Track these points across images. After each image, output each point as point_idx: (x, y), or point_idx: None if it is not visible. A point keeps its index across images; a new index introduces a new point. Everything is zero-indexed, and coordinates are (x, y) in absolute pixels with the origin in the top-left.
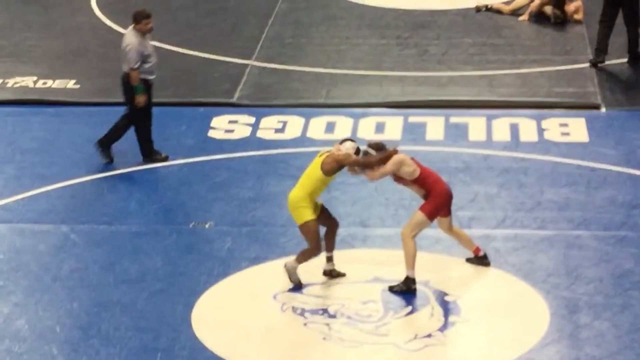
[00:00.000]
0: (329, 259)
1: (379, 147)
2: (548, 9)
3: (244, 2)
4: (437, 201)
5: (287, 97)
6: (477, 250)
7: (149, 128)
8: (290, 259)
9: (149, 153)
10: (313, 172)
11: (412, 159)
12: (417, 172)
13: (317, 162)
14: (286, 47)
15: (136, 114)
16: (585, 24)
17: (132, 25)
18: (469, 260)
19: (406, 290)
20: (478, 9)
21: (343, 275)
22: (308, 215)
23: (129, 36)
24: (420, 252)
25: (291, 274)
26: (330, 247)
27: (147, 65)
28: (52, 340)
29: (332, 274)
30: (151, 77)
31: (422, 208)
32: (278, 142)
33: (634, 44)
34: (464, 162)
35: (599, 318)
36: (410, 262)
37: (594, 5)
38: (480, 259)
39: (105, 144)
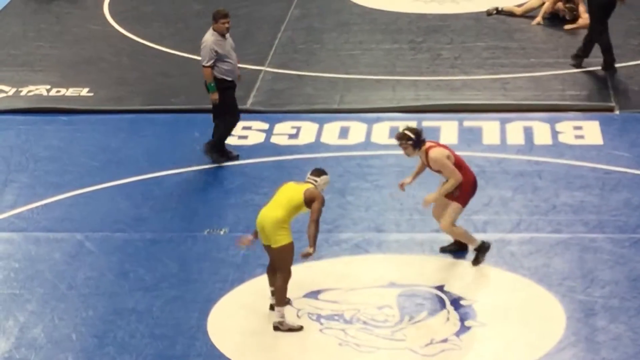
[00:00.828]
0: (274, 293)
1: (416, 132)
2: (560, 5)
3: (256, 9)
4: (468, 189)
5: (300, 103)
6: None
7: (228, 127)
8: (274, 316)
9: (219, 152)
10: (295, 196)
11: (445, 145)
12: (452, 159)
13: (294, 188)
14: (299, 52)
15: (215, 110)
16: None
17: (212, 25)
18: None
19: (486, 251)
20: (489, 13)
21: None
22: (288, 238)
23: (207, 35)
24: (436, 257)
25: (287, 327)
26: (274, 281)
27: (224, 65)
28: (68, 349)
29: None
30: (229, 78)
31: (457, 199)
32: (292, 148)
33: (611, 60)
34: (478, 166)
35: (615, 321)
36: (469, 238)
37: None
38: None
39: (214, 147)
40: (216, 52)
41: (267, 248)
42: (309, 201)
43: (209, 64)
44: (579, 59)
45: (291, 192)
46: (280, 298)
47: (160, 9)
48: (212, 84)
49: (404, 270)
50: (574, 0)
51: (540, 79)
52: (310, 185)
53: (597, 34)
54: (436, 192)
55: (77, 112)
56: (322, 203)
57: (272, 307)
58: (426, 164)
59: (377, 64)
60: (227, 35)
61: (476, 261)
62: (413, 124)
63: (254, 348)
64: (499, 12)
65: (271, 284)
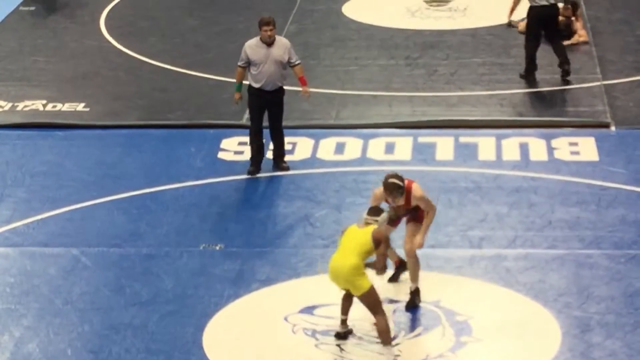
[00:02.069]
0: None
1: (400, 177)
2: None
3: (252, 24)
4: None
5: (296, 118)
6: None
7: (254, 135)
8: (386, 356)
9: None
10: (364, 240)
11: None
12: None
13: (361, 232)
14: None
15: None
16: (593, 43)
17: None
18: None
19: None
20: (509, 24)
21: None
22: (368, 281)
23: (252, 38)
24: (431, 272)
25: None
26: (347, 309)
27: (252, 70)
28: None
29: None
30: (256, 85)
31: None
32: (288, 163)
33: (562, 60)
34: (474, 182)
35: (611, 337)
36: (416, 275)
37: (602, 24)
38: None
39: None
40: (247, 55)
41: (349, 292)
42: (377, 243)
43: (239, 63)
44: (564, 66)
45: (360, 237)
46: (386, 338)
47: (156, 24)
48: (237, 85)
49: (399, 285)
50: (571, 16)
51: (536, 95)
52: (374, 226)
53: (525, 41)
54: (422, 230)
55: (73, 127)
56: (388, 244)
57: (339, 336)
58: (404, 203)
59: (373, 79)
60: (276, 44)
61: (412, 303)
62: (407, 141)
63: None
64: (510, 25)
65: (344, 312)
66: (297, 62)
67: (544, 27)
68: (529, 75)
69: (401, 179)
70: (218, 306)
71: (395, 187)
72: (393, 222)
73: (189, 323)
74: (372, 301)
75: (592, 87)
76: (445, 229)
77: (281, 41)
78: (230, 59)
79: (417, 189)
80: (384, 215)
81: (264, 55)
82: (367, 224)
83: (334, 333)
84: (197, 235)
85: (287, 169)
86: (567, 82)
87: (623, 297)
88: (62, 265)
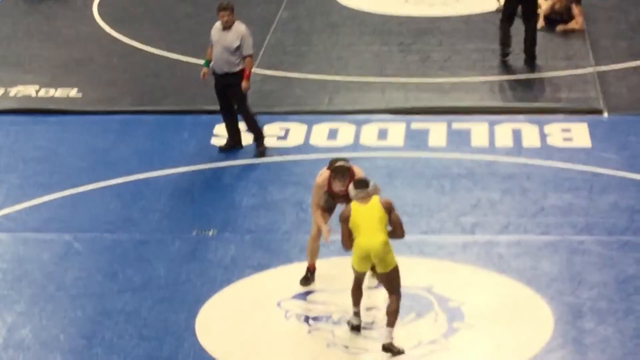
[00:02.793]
0: (358, 314)
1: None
2: (557, 6)
3: (245, 10)
4: None
5: (289, 104)
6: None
7: (221, 114)
8: (385, 337)
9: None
10: (380, 214)
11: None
12: None
13: (371, 207)
14: (288, 54)
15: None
16: (586, 30)
17: None
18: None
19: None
20: (498, 10)
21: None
22: (395, 259)
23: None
24: (424, 259)
25: (397, 349)
26: (358, 301)
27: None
28: (56, 349)
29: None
30: (213, 67)
31: None
32: (280, 149)
33: (530, 42)
34: (467, 168)
35: (603, 323)
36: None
37: (596, 11)
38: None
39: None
40: (211, 35)
41: (380, 275)
42: (389, 210)
43: (210, 43)
44: (531, 49)
45: (375, 212)
46: (393, 320)
47: (149, 10)
48: (204, 61)
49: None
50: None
51: (529, 82)
52: (376, 197)
53: (500, 20)
54: None
55: (66, 113)
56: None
57: (354, 328)
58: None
59: (366, 65)
60: (232, 29)
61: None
62: (400, 127)
63: (242, 349)
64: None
65: (355, 303)
66: (247, 54)
67: (522, 3)
68: (505, 55)
69: (347, 162)
70: (211, 292)
71: (345, 170)
72: (330, 210)
73: (181, 309)
74: (396, 278)
75: (585, 74)
76: (438, 215)
77: (238, 27)
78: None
79: (359, 172)
80: (372, 182)
81: (218, 38)
82: (364, 197)
83: (349, 324)
84: (190, 221)
85: (261, 154)
86: (533, 66)
87: (615, 284)
88: (55, 251)
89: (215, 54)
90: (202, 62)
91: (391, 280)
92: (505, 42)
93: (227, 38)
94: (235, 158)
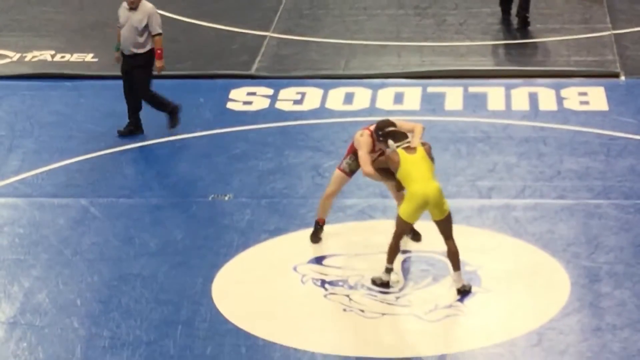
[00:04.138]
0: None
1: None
2: None
3: None
4: None
5: (305, 69)
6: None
7: (127, 101)
8: (457, 281)
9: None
10: (430, 164)
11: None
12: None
13: (418, 155)
14: (304, 18)
15: None
16: None
17: None
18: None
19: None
20: None
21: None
22: (448, 204)
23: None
24: None
25: (469, 286)
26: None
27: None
28: (73, 314)
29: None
30: (122, 47)
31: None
32: (296, 114)
33: (523, 8)
34: (483, 132)
35: (619, 287)
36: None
37: None
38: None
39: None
40: (119, 15)
41: (438, 222)
42: (432, 158)
43: (118, 24)
44: (523, 13)
45: (425, 160)
46: (458, 261)
47: None
48: (115, 45)
49: (408, 236)
50: None
51: (546, 45)
52: (420, 146)
53: None
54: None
55: (82, 78)
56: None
57: (383, 284)
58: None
59: (382, 29)
60: (138, 9)
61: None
62: (416, 91)
63: (258, 314)
64: None
65: (392, 260)
66: (156, 33)
67: None
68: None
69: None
70: (227, 257)
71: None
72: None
73: (198, 273)
74: (451, 222)
75: (602, 37)
76: (455, 179)
77: (145, 6)
78: (240, 9)
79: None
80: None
81: (125, 18)
82: (409, 147)
83: (378, 281)
84: (206, 185)
85: (172, 127)
86: (527, 30)
87: (632, 247)
88: (71, 216)
89: (123, 34)
90: (218, 26)
91: (447, 225)
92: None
93: (134, 18)
94: (251, 123)
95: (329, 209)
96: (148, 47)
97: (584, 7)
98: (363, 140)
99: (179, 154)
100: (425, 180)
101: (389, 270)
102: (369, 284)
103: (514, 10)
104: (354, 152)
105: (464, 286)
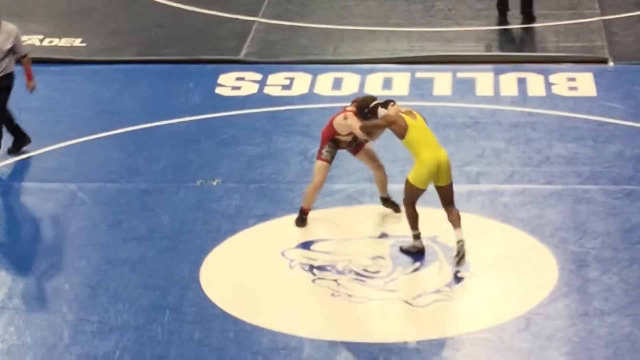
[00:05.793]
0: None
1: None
2: None
3: None
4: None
5: (294, 54)
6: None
7: None
8: (458, 236)
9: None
10: (428, 128)
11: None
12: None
13: (419, 122)
14: (293, 3)
15: None
16: None
17: None
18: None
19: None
20: None
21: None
22: None
23: None
24: (428, 208)
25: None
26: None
27: None
28: (61, 298)
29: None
30: None
31: None
32: (285, 99)
33: (527, 5)
34: (472, 117)
35: (607, 272)
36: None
37: None
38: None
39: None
40: None
41: (443, 188)
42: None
43: None
44: (527, 10)
45: (424, 123)
46: (460, 221)
47: None
48: None
49: (396, 221)
50: None
51: (534, 31)
52: (408, 110)
53: None
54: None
55: (70, 63)
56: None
57: (419, 251)
58: None
59: (370, 15)
60: (1, 30)
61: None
62: (405, 77)
63: (246, 299)
64: None
65: (416, 226)
66: (24, 54)
67: None
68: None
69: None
70: (215, 241)
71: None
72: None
73: (186, 258)
74: (452, 187)
75: (591, 23)
76: None
77: (8, 28)
78: None
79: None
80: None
81: None
82: (410, 112)
83: (414, 249)
84: (195, 170)
85: (11, 152)
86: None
87: (620, 233)
88: (59, 201)
89: None
90: (206, 11)
91: (451, 190)
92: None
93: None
94: (240, 108)
95: (314, 199)
96: (10, 69)
97: None
98: (351, 122)
99: (167, 139)
100: (435, 146)
101: (417, 236)
102: (357, 269)
103: (511, 11)
104: (331, 139)
105: (462, 241)
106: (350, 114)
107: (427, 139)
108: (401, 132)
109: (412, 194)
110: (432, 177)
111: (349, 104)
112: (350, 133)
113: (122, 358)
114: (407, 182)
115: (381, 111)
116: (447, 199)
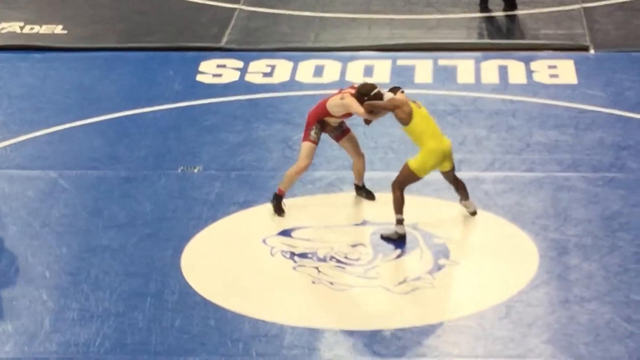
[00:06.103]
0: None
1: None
2: None
3: None
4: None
5: (275, 41)
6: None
7: None
8: (472, 207)
9: None
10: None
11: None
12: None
13: (424, 109)
14: None
15: None
16: None
17: None
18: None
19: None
20: None
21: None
22: None
23: None
24: (409, 195)
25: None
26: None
27: None
28: (42, 286)
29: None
30: None
31: None
32: (266, 86)
33: None
34: (453, 104)
35: (587, 259)
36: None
37: None
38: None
39: None
40: None
41: (448, 172)
42: None
43: None
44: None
45: (427, 115)
46: (466, 190)
47: None
48: None
49: (377, 208)
50: None
51: (516, 18)
52: (416, 102)
53: None
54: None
55: (52, 50)
56: None
57: (400, 237)
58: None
59: (352, 2)
60: None
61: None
62: (386, 64)
63: (227, 286)
64: None
65: (402, 211)
66: None
67: None
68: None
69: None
70: (196, 229)
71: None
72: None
73: (167, 246)
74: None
75: (572, 10)
76: None
77: None
78: None
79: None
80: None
81: None
82: (414, 101)
83: (396, 235)
84: (176, 158)
85: None
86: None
87: (600, 220)
88: (40, 188)
89: None
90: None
91: (453, 170)
92: None
93: None
94: (222, 95)
95: (294, 183)
96: None
97: None
98: (348, 101)
99: (149, 126)
100: (440, 136)
101: (400, 221)
102: (338, 256)
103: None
104: (317, 121)
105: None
106: (347, 94)
107: (431, 128)
108: (405, 117)
109: (408, 180)
110: (437, 167)
111: (335, 90)
112: (340, 117)
113: (102, 345)
114: (407, 167)
115: (388, 94)
116: (450, 175)
